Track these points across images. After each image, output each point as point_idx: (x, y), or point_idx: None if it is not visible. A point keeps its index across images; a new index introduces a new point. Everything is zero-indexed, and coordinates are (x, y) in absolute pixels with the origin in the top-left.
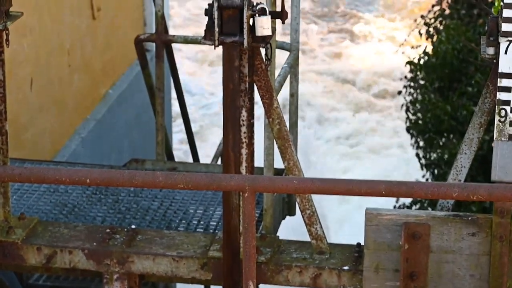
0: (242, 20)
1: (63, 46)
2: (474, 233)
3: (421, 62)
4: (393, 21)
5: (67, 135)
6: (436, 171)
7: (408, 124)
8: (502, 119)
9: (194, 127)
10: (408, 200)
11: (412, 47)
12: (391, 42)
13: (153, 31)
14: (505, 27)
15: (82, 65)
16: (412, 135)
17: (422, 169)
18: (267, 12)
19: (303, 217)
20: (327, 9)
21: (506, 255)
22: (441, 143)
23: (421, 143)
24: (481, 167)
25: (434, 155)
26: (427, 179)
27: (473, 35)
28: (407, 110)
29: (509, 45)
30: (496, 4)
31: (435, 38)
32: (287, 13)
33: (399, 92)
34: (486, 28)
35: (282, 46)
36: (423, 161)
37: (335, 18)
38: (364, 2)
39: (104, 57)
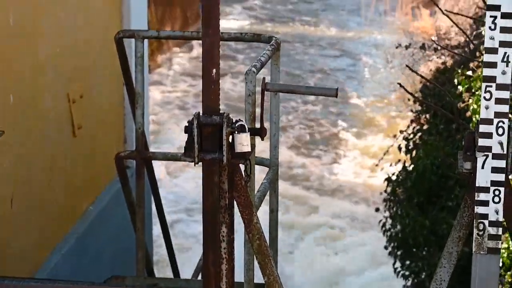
0: (222, 137)
1: (44, 163)
2: None
3: (400, 178)
4: (372, 136)
5: (48, 251)
6: (416, 280)
7: (387, 238)
8: (481, 233)
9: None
10: None
11: (391, 165)
12: (369, 157)
13: (134, 147)
14: (482, 142)
15: (63, 182)
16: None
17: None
18: (246, 129)
19: None
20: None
21: None
22: (420, 255)
23: (400, 254)
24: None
25: (413, 266)
26: None
27: (452, 150)
28: (384, 225)
29: (485, 159)
30: (474, 119)
31: (414, 153)
32: (266, 130)
33: (377, 209)
34: (463, 142)
35: (261, 162)
36: (401, 273)
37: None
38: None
39: (85, 174)
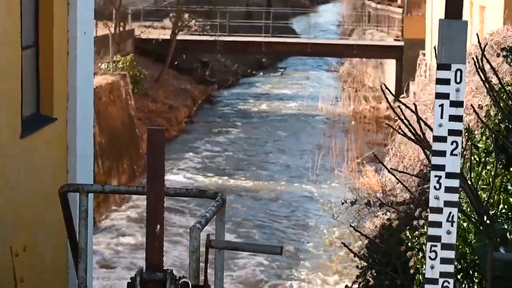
0: None
1: None
2: None
3: None
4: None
5: None
6: None
7: None
8: None
9: None
10: None
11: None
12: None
13: None
14: None
15: None
16: None
17: None
18: (190, 286)
19: None
20: None
21: None
22: None
23: None
24: None
25: None
26: None
27: None
28: None
29: None
30: (417, 277)
31: None
32: (209, 286)
33: None
34: None
35: None
36: None
37: None
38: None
39: None
